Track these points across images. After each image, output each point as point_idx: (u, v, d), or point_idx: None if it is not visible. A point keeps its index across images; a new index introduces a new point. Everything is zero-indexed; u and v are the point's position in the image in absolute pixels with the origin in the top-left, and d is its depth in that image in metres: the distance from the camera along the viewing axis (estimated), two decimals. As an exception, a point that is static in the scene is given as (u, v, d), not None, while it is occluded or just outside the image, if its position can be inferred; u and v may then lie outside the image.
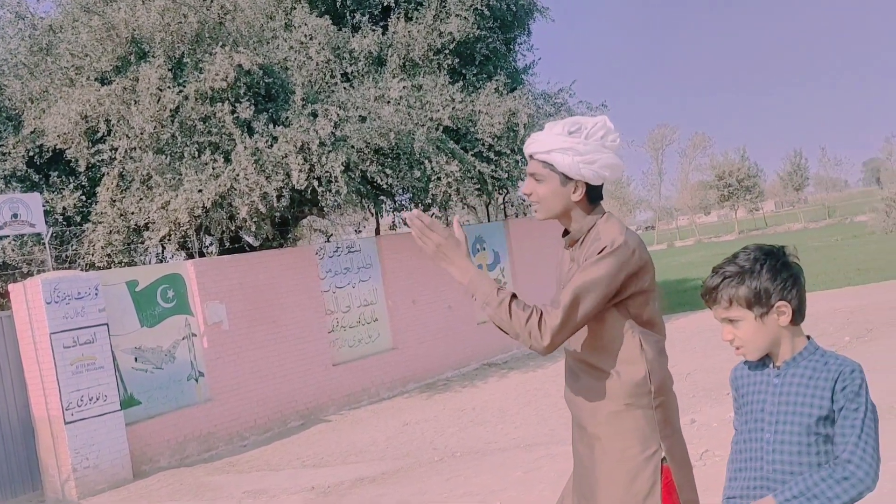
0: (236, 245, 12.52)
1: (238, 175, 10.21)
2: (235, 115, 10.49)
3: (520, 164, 13.92)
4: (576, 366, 2.68)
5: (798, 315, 2.17)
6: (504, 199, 16.03)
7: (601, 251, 2.49)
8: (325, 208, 13.57)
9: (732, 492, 2.26)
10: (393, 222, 15.11)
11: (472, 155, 12.58)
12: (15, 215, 9.26)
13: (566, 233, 2.75)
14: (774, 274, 2.15)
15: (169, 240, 11.04)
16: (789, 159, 67.96)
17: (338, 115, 10.77)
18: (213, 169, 10.41)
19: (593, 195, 2.66)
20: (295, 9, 13.03)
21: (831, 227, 42.54)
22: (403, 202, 14.25)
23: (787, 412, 2.15)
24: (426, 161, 11.53)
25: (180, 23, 10.63)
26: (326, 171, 10.59)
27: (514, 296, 2.49)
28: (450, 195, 12.24)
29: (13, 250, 11.12)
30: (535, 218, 2.84)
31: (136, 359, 9.64)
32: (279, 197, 10.64)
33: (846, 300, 14.00)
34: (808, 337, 2.23)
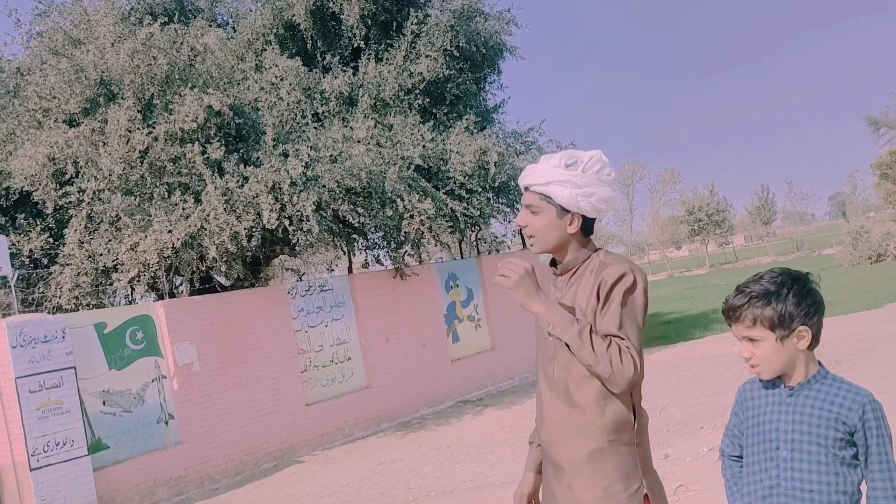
0: (207, 285, 12.42)
1: (208, 215, 10.17)
2: (206, 155, 10.48)
3: (491, 201, 14.01)
4: (555, 404, 2.63)
5: (815, 341, 2.24)
6: (476, 236, 16.09)
7: (631, 284, 2.49)
8: (296, 247, 13.53)
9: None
10: (366, 261, 15.07)
11: (443, 193, 12.65)
12: (-20, 258, 9.14)
13: (553, 262, 2.75)
14: (800, 299, 2.21)
15: (138, 281, 10.93)
16: (757, 194, 69.19)
17: (309, 155, 10.80)
18: (183, 210, 10.36)
19: (587, 228, 2.68)
20: (265, 50, 13.12)
21: (800, 259, 43.08)
22: (376, 240, 14.25)
23: (804, 431, 2.21)
24: (398, 199, 11.57)
25: (150, 65, 10.64)
26: (298, 211, 10.58)
27: (591, 327, 2.49)
28: (422, 233, 12.27)
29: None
30: (531, 251, 2.84)
31: (104, 402, 9.48)
32: (250, 237, 10.60)
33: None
34: (819, 363, 2.30)
